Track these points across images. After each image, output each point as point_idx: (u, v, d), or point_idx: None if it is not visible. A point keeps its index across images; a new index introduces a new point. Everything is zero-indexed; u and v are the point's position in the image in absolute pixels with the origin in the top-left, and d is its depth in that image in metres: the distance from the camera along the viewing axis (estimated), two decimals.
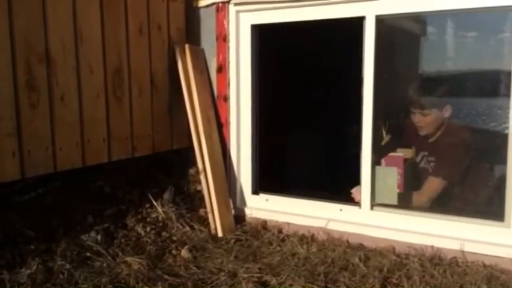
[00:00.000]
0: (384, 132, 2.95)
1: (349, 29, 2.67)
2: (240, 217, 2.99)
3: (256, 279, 2.17)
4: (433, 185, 2.79)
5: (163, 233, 2.64)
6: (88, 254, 2.27)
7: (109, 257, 2.29)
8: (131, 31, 2.66)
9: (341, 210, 2.77)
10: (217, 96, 3.05)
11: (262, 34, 2.97)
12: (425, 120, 2.81)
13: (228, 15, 2.94)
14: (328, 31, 2.86)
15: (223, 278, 2.20)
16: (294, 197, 3.09)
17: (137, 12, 2.69)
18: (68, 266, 2.12)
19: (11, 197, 2.38)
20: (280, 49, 3.53)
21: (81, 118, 2.40)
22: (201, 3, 3.01)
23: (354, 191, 2.85)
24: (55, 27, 2.25)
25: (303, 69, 4.13)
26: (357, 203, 2.73)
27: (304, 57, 3.97)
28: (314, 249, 2.52)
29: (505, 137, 2.38)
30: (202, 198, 2.91)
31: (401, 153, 3.35)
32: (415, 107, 2.83)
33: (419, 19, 3.68)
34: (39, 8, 2.18)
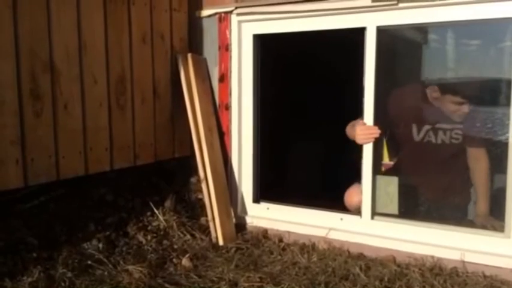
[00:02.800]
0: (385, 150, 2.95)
1: (352, 38, 2.69)
2: (241, 225, 3.00)
3: None
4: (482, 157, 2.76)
5: (165, 242, 2.65)
6: (89, 262, 2.28)
7: (110, 265, 2.30)
8: (134, 40, 2.68)
9: (341, 219, 2.78)
10: (219, 105, 3.07)
11: (264, 43, 2.99)
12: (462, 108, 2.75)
13: (230, 25, 2.97)
14: (331, 40, 2.88)
15: (224, 287, 2.20)
16: (294, 206, 3.10)
17: (141, 22, 2.72)
18: (69, 274, 2.14)
19: (14, 205, 2.40)
20: (281, 58, 3.55)
21: (84, 126, 2.42)
22: (204, 13, 3.04)
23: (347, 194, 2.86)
24: (59, 36, 2.27)
25: (305, 78, 4.15)
26: (358, 212, 2.73)
27: (306, 66, 3.99)
28: (315, 259, 2.53)
29: (505, 146, 2.39)
30: (203, 207, 2.92)
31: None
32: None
33: (421, 28, 3.70)
34: (44, 17, 2.21)
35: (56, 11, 2.25)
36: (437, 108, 2.82)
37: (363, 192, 2.68)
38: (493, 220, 2.62)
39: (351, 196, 2.86)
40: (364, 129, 2.64)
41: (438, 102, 2.83)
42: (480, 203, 2.73)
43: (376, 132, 2.59)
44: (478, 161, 2.81)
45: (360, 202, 2.76)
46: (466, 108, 2.75)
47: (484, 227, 2.54)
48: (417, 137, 2.84)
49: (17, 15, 2.09)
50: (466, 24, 2.61)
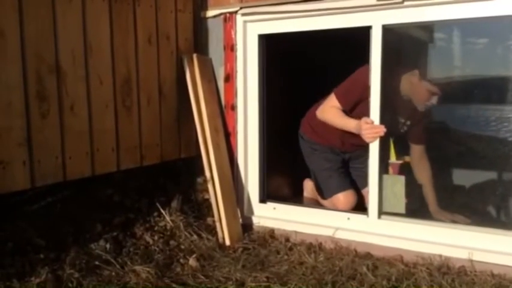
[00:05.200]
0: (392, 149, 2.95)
1: (359, 37, 2.67)
2: (247, 226, 3.00)
3: None
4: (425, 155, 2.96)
5: (171, 242, 2.65)
6: (97, 262, 2.29)
7: (117, 266, 2.31)
8: (140, 41, 2.69)
9: (348, 218, 2.77)
10: (225, 105, 3.07)
11: (269, 43, 2.99)
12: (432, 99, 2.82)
13: (235, 25, 2.97)
14: (337, 39, 2.86)
15: (231, 287, 2.20)
16: (301, 206, 3.11)
17: (146, 23, 2.73)
18: (77, 275, 2.15)
19: (21, 206, 2.41)
20: (287, 57, 3.54)
21: (90, 128, 2.43)
22: (209, 14, 3.04)
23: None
24: (65, 38, 2.28)
25: (311, 77, 4.13)
26: (364, 210, 2.73)
27: (312, 66, 3.98)
28: (322, 258, 2.52)
29: (511, 144, 2.37)
30: (209, 207, 2.92)
31: (408, 160, 3.35)
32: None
33: (427, 26, 3.69)
34: (49, 20, 2.22)
35: (62, 13, 2.26)
36: (404, 96, 2.89)
37: (369, 192, 2.67)
38: (451, 214, 2.73)
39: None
40: (370, 127, 2.64)
41: (412, 87, 2.86)
42: (432, 200, 2.86)
43: (382, 130, 2.59)
44: (423, 158, 2.95)
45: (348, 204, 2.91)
46: (435, 100, 2.79)
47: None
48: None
49: (23, 18, 2.10)
50: (472, 22, 2.60)
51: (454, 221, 2.64)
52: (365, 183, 3.07)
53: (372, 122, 2.62)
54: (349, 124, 2.81)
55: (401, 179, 2.70)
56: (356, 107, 2.87)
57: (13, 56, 2.08)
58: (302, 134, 3.31)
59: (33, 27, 2.14)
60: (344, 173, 3.17)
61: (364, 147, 2.76)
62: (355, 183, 3.17)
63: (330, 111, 2.93)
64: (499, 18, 2.36)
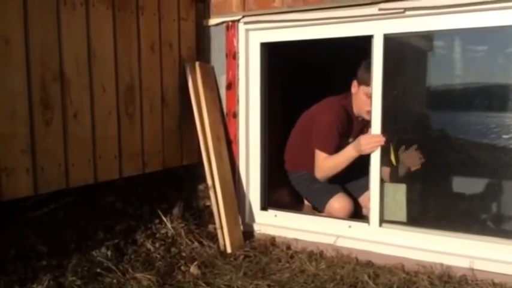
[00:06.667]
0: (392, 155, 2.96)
1: (360, 45, 2.69)
2: (248, 233, 3.00)
3: None
4: None
5: (173, 249, 2.66)
6: (98, 269, 2.29)
7: (119, 273, 2.31)
8: (143, 50, 2.71)
9: (350, 226, 2.78)
10: (227, 113, 3.09)
11: (271, 51, 3.01)
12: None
13: (237, 33, 2.99)
14: (339, 46, 2.88)
15: None
16: (302, 213, 3.11)
17: (149, 32, 2.74)
18: (78, 282, 2.15)
19: (24, 213, 2.42)
20: (289, 65, 3.56)
21: (93, 135, 2.44)
22: (211, 22, 3.07)
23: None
24: (69, 46, 2.30)
25: (312, 85, 4.15)
26: (365, 218, 2.74)
27: (314, 73, 4.00)
28: (323, 266, 2.53)
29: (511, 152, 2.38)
30: (211, 214, 2.93)
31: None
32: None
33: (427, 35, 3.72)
34: (54, 27, 2.23)
35: (66, 21, 2.28)
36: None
37: (370, 199, 2.68)
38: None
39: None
40: (369, 138, 2.67)
41: (356, 95, 2.97)
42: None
43: (381, 139, 2.61)
44: None
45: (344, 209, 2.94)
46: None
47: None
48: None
49: (28, 25, 2.12)
50: (470, 32, 2.62)
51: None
52: (361, 192, 3.10)
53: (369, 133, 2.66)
54: (348, 154, 2.89)
55: (403, 187, 2.70)
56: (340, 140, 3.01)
57: (18, 63, 2.09)
58: (288, 171, 3.38)
59: (38, 34, 2.16)
60: (332, 182, 3.15)
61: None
62: (350, 192, 3.20)
63: (325, 164, 3.01)
64: (500, 28, 2.37)
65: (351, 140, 3.03)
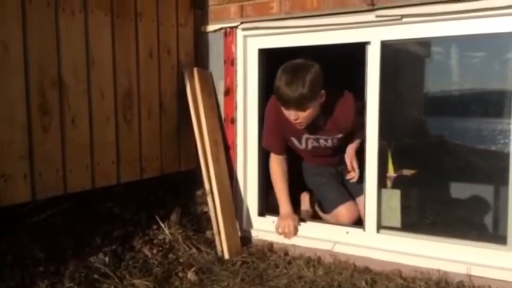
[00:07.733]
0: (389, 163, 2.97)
1: (359, 51, 2.70)
2: (246, 239, 3.00)
3: None
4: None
5: (170, 255, 2.65)
6: (96, 276, 2.28)
7: (116, 279, 2.30)
8: (141, 55, 2.72)
9: (347, 232, 2.78)
10: (225, 119, 3.09)
11: (269, 57, 3.02)
12: (303, 115, 2.65)
13: (235, 39, 3.00)
14: (337, 53, 2.89)
15: None
16: (299, 219, 3.11)
17: (148, 38, 2.75)
18: None
19: (21, 219, 2.41)
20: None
21: (91, 141, 2.44)
22: (210, 28, 3.08)
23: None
24: (68, 51, 2.30)
25: None
26: (360, 225, 2.74)
27: None
28: (321, 272, 2.53)
29: (507, 157, 2.38)
30: (209, 220, 2.93)
31: (406, 173, 3.38)
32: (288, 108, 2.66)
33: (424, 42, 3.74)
34: (52, 33, 2.24)
35: (65, 27, 2.29)
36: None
37: (365, 206, 2.68)
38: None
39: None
40: (284, 225, 2.86)
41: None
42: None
43: (289, 235, 2.84)
44: None
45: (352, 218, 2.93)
46: (291, 115, 2.65)
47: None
48: None
49: (27, 31, 2.12)
50: (467, 38, 2.62)
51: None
52: (358, 194, 3.09)
53: (289, 233, 2.84)
54: (280, 200, 2.97)
55: (397, 193, 2.71)
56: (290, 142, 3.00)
57: (16, 69, 2.09)
58: None
59: (36, 40, 2.16)
60: (342, 184, 3.17)
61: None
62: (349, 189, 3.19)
63: (272, 165, 3.02)
64: (497, 35, 2.39)
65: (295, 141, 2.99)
